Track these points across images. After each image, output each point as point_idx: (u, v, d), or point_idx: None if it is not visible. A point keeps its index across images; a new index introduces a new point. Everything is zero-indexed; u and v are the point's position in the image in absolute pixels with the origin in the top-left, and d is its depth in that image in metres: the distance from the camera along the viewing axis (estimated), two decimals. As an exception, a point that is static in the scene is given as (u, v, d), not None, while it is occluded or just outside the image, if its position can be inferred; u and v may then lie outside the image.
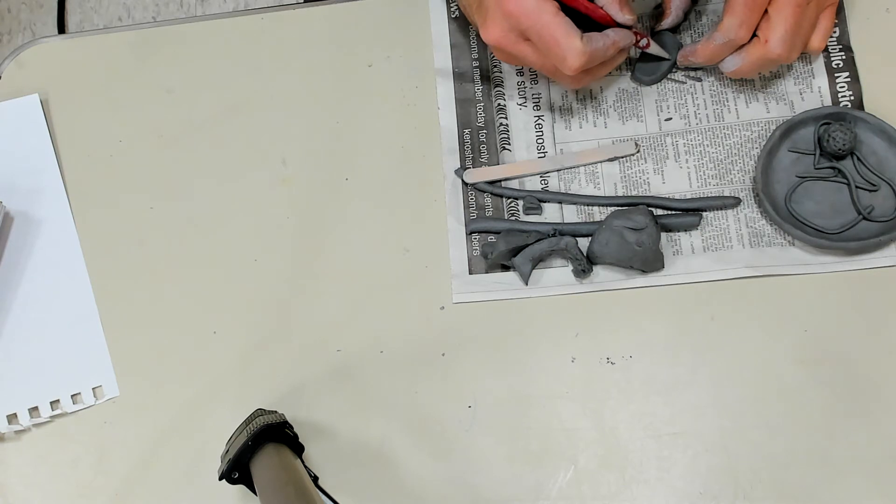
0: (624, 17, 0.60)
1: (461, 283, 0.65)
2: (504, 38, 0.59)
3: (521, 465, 0.61)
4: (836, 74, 0.66)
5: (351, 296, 0.66)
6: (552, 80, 0.68)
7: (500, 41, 0.60)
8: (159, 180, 0.70)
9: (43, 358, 0.67)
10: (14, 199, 0.70)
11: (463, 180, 0.66)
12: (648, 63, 0.66)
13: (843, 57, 0.66)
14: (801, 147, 0.64)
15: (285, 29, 0.72)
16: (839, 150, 0.62)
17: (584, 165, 0.66)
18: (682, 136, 0.66)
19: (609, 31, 0.60)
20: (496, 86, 0.68)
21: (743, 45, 0.62)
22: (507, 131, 0.67)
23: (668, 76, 0.67)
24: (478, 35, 0.69)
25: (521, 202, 0.66)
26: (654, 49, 0.65)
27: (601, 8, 0.60)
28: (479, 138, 0.68)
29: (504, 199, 0.66)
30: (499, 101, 0.68)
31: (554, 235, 0.63)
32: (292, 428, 0.59)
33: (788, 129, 0.63)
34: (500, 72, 0.69)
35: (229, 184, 0.69)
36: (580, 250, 0.63)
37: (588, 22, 0.60)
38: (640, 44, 0.63)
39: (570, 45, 0.57)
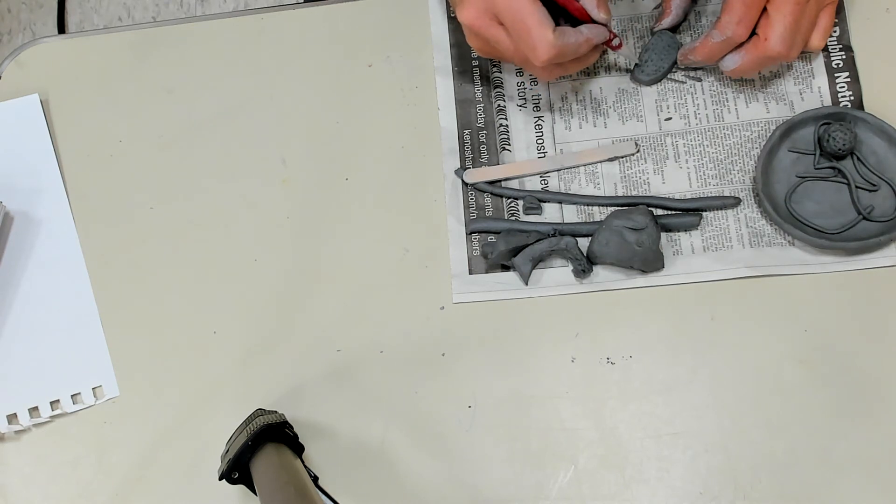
0: (599, 14, 0.60)
1: (461, 283, 0.65)
2: (478, 19, 0.59)
3: (521, 465, 0.61)
4: (836, 74, 0.66)
5: (351, 296, 0.66)
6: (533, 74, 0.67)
7: (474, 22, 0.59)
8: (159, 180, 0.70)
9: (43, 358, 0.67)
10: (14, 199, 0.70)
11: (463, 180, 0.66)
12: (648, 63, 0.66)
13: (843, 57, 0.66)
14: (801, 147, 0.64)
15: (285, 29, 0.72)
16: (839, 150, 0.62)
17: (584, 165, 0.66)
18: (682, 136, 0.66)
19: (583, 28, 0.60)
20: (496, 87, 0.68)
21: (743, 44, 0.61)
22: (507, 131, 0.67)
23: (668, 76, 0.67)
24: None
25: (521, 202, 0.66)
26: (626, 52, 0.65)
27: (578, 2, 0.60)
28: (479, 138, 0.68)
29: (504, 199, 0.66)
30: (498, 102, 0.68)
31: (554, 235, 0.63)
32: (292, 428, 0.59)
33: (788, 129, 0.63)
34: (500, 72, 0.69)
35: (229, 184, 0.69)
36: (580, 250, 0.63)
37: (566, 15, 0.60)
38: (613, 43, 0.63)
39: (542, 37, 0.57)
